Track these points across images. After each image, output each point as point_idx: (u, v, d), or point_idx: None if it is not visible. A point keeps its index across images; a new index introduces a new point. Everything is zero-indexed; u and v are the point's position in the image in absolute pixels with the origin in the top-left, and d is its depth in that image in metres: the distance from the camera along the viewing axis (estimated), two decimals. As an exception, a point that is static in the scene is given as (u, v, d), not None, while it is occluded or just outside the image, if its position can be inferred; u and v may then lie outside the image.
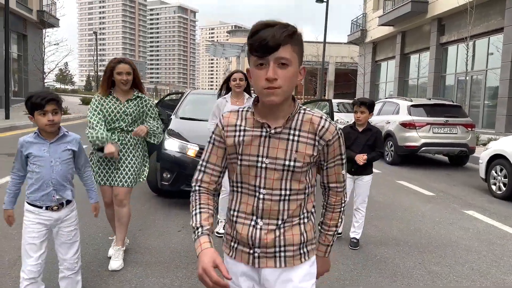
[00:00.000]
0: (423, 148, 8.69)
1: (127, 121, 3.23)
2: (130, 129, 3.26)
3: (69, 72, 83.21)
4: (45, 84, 22.29)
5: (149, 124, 3.34)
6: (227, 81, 4.17)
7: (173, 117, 5.94)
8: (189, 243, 3.84)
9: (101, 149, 3.17)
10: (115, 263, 3.22)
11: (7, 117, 14.72)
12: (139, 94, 3.31)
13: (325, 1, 22.79)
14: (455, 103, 9.76)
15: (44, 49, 19.46)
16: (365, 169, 3.93)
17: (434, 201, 6.00)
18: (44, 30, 22.57)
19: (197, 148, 4.92)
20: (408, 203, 5.79)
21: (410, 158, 9.67)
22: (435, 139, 8.70)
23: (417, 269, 3.49)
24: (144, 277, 3.09)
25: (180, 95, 8.21)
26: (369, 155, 3.82)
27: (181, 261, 3.43)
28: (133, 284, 2.98)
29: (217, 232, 4.10)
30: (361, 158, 3.77)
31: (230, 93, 4.13)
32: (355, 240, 3.96)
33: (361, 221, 4.00)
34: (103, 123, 3.18)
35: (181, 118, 5.88)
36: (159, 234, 4.07)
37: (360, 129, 3.92)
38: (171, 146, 5.04)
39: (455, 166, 9.46)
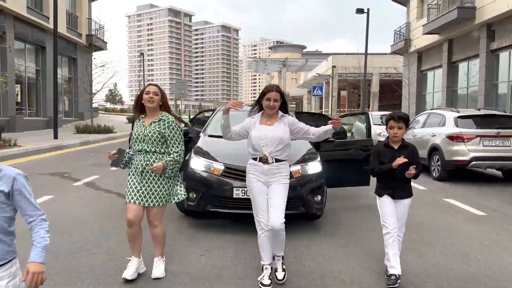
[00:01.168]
0: (473, 163, 8.03)
1: (148, 142, 3.36)
2: (157, 149, 3.38)
3: (118, 92, 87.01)
4: (93, 104, 23.24)
5: (168, 158, 3.37)
6: (260, 99, 3.45)
7: (201, 134, 5.82)
8: (210, 269, 3.63)
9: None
10: (157, 271, 3.46)
11: (55, 137, 15.38)
12: (164, 116, 3.43)
13: (365, 12, 22.30)
14: (507, 113, 9.00)
15: (91, 71, 20.34)
16: (406, 190, 3.48)
17: (485, 222, 5.43)
18: (92, 53, 23.67)
19: (223, 167, 4.73)
20: (456, 225, 5.27)
21: (459, 173, 8.98)
22: (486, 153, 8.02)
23: (463, 304, 3.07)
24: (156, 308, 2.91)
25: (213, 111, 8.15)
26: (415, 172, 3.32)
27: (199, 289, 3.22)
28: (144, 316, 2.80)
29: (261, 284, 3.26)
30: (400, 161, 3.27)
31: (262, 112, 3.47)
32: (393, 278, 3.34)
33: (398, 253, 3.45)
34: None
35: (210, 135, 5.75)
36: (180, 258, 3.89)
37: (396, 146, 3.47)
38: (197, 165, 4.89)
39: (509, 181, 8.67)
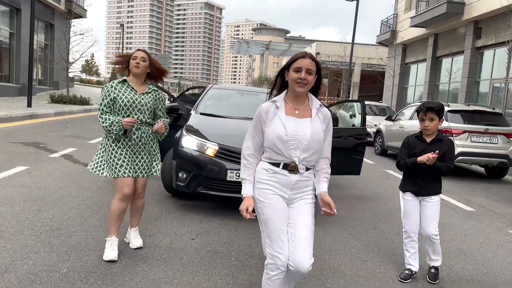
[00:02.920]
0: (459, 158, 8.04)
1: (145, 112, 3.27)
2: (148, 121, 3.29)
3: (95, 63, 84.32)
4: (70, 73, 22.30)
5: (164, 121, 3.41)
6: (283, 71, 2.30)
7: (192, 112, 5.53)
8: (203, 255, 3.41)
9: (124, 132, 3.16)
10: (138, 241, 3.43)
11: (29, 105, 14.66)
12: (154, 88, 3.39)
13: (355, 0, 22.09)
14: (496, 111, 9.05)
15: (69, 38, 19.42)
16: (432, 186, 3.24)
17: (475, 218, 5.41)
18: (71, 20, 22.60)
19: (217, 148, 4.48)
20: (447, 219, 5.22)
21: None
22: (473, 148, 8.05)
23: (467, 303, 2.97)
24: (148, 296, 2.68)
25: (202, 89, 7.84)
26: (438, 162, 3.07)
27: (193, 277, 3.00)
28: (136, 304, 2.56)
29: None
30: (429, 157, 2.99)
31: (285, 92, 2.32)
32: (433, 270, 3.28)
33: (437, 248, 3.30)
34: (109, 110, 3.19)
35: (201, 113, 5.46)
36: (170, 242, 3.65)
37: (428, 140, 3.21)
38: (189, 143, 4.61)
39: (493, 178, 8.77)
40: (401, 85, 24.54)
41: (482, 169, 9.44)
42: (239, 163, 4.31)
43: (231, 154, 4.44)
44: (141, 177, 3.32)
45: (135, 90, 3.23)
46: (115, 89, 3.19)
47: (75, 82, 34.41)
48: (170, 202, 4.89)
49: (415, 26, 20.93)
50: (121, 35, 45.76)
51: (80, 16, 24.80)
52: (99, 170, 3.24)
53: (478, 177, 8.87)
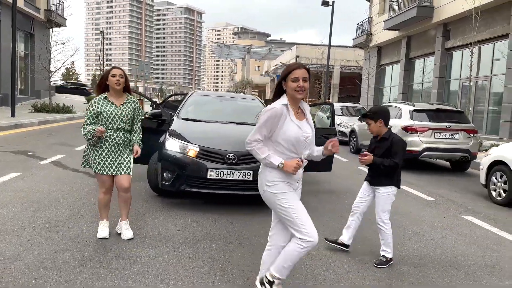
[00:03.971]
0: (424, 153, 8.70)
1: (126, 122, 3.87)
2: (127, 128, 3.91)
3: (75, 71, 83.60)
4: (51, 82, 22.42)
5: (138, 137, 4.03)
6: (281, 82, 2.67)
7: (175, 117, 6.00)
8: (187, 242, 3.89)
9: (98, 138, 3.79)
10: (129, 233, 3.90)
11: (12, 115, 14.85)
12: (131, 98, 3.95)
13: (330, 4, 22.82)
14: (457, 109, 9.76)
15: (51, 48, 19.60)
16: (379, 179, 3.71)
17: (433, 206, 6.01)
18: (51, 29, 22.74)
19: (198, 149, 4.96)
20: (408, 208, 5.81)
21: (412, 163, 9.67)
22: (436, 144, 8.71)
23: (412, 273, 3.52)
24: (141, 274, 3.14)
25: (183, 96, 8.29)
26: (378, 158, 3.59)
27: (179, 260, 3.48)
28: (130, 281, 3.02)
29: None
30: (362, 158, 3.55)
31: (286, 98, 2.64)
32: (381, 257, 3.68)
33: (386, 239, 3.70)
34: (93, 122, 3.79)
35: (183, 119, 5.94)
36: (158, 234, 4.11)
37: (378, 139, 3.74)
38: (172, 146, 5.09)
39: (456, 171, 9.45)
40: (377, 86, 25.39)
41: (447, 163, 10.12)
42: (219, 162, 4.86)
43: (211, 155, 4.93)
44: (124, 173, 3.86)
45: (115, 104, 3.83)
46: (99, 104, 3.79)
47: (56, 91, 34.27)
48: (156, 200, 5.34)
49: (388, 29, 21.80)
50: (102, 43, 45.72)
51: (60, 25, 24.92)
52: (87, 165, 3.93)
53: (443, 170, 9.54)
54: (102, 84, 3.86)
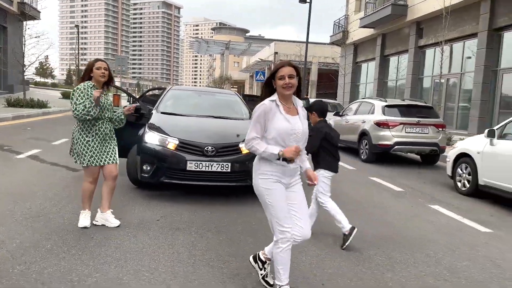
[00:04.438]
0: (396, 147, 9.06)
1: (110, 110, 4.06)
2: (111, 116, 4.09)
3: (49, 65, 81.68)
4: (25, 77, 21.97)
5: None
6: (270, 80, 2.78)
7: (154, 111, 6.11)
8: (167, 231, 4.04)
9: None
10: (117, 221, 4.09)
11: (-15, 109, 14.54)
12: (108, 93, 4.14)
13: (308, 1, 23.10)
14: (427, 104, 10.17)
15: (25, 41, 19.20)
16: (312, 164, 4.11)
17: (402, 196, 6.33)
18: (25, 23, 22.25)
19: (177, 142, 5.10)
20: (378, 198, 6.11)
21: (384, 156, 10.04)
22: (407, 138, 9.08)
23: (379, 256, 3.78)
24: (122, 260, 3.29)
25: (162, 90, 8.37)
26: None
27: (159, 246, 3.63)
28: (112, 266, 3.17)
29: None
30: None
31: (276, 94, 2.77)
32: (343, 237, 3.99)
33: (334, 216, 4.02)
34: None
35: (162, 113, 6.06)
36: (138, 223, 4.25)
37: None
38: (152, 139, 5.21)
39: (426, 164, 9.87)
40: (354, 82, 25.88)
41: (418, 157, 10.54)
42: (198, 154, 5.03)
43: (190, 147, 5.08)
44: (111, 163, 4.04)
45: (102, 95, 3.93)
46: (88, 91, 3.88)
47: (30, 85, 33.57)
48: (135, 192, 5.46)
49: (364, 27, 22.24)
50: (77, 37, 44.79)
51: (34, 18, 24.38)
52: (78, 160, 4.00)
53: (413, 163, 9.95)
54: (85, 76, 3.95)
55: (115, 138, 4.17)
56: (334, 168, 4.10)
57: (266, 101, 2.71)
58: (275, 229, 2.74)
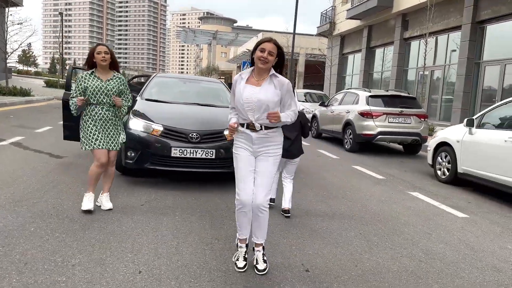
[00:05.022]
0: (378, 137, 9.21)
1: (110, 96, 4.01)
2: (112, 103, 4.04)
3: (32, 53, 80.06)
4: (8, 64, 21.55)
5: (124, 100, 4.15)
6: (253, 52, 2.92)
7: (138, 98, 6.11)
8: (151, 215, 4.09)
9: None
10: (109, 204, 4.18)
11: (-34, 96, 14.26)
12: (118, 74, 4.12)
13: (295, -8, 23.04)
14: (410, 95, 10.33)
15: (7, 28, 18.80)
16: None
17: (383, 184, 6.48)
18: (7, 9, 21.75)
19: (161, 128, 5.13)
20: (359, 185, 6.24)
21: (368, 146, 10.19)
22: (390, 128, 9.23)
23: (358, 239, 3.89)
24: (106, 242, 3.33)
25: (147, 78, 8.34)
26: None
27: (143, 229, 3.68)
28: (96, 248, 3.21)
29: (236, 266, 3.05)
30: None
31: (252, 68, 2.99)
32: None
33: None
34: (79, 95, 3.95)
35: (147, 99, 6.06)
36: (122, 208, 4.28)
37: None
38: (136, 125, 5.22)
39: (408, 154, 10.06)
40: (340, 74, 26.04)
41: (400, 147, 10.73)
42: (182, 141, 5.07)
43: (175, 134, 5.11)
44: (112, 149, 4.10)
45: (101, 79, 3.99)
46: (85, 79, 3.96)
47: (13, 74, 32.93)
48: (119, 179, 5.47)
49: (351, 18, 22.34)
50: (60, 25, 44.02)
51: (16, 5, 23.85)
52: (82, 145, 4.04)
53: (396, 153, 10.13)
54: (89, 62, 4.00)
55: (121, 125, 4.22)
56: None
57: (236, 75, 3.01)
58: (236, 188, 3.00)
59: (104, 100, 3.99)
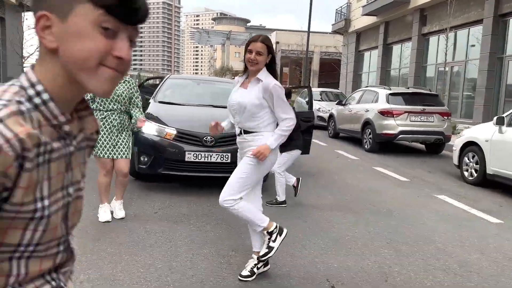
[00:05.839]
0: (400, 136, 8.86)
1: (121, 101, 3.81)
2: (123, 109, 3.86)
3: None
4: (24, 68, 21.79)
5: (141, 116, 3.96)
6: (244, 54, 2.79)
7: (151, 101, 5.93)
8: (164, 224, 3.89)
9: None
10: (122, 213, 3.98)
11: (-16, 101, 14.39)
12: (126, 78, 3.89)
13: (309, -10, 22.73)
14: (432, 92, 9.94)
15: (23, 32, 18.97)
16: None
17: (407, 186, 6.16)
18: (23, 13, 21.98)
19: (175, 132, 4.93)
20: (382, 188, 5.94)
21: (388, 145, 9.85)
22: (412, 127, 8.87)
23: (385, 248, 3.62)
24: (117, 255, 3.14)
25: (160, 79, 8.20)
26: None
27: (156, 240, 3.48)
28: (106, 261, 3.02)
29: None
30: None
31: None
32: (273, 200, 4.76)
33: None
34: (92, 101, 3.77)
35: (160, 102, 5.87)
36: (135, 216, 4.10)
37: None
38: (149, 129, 5.03)
39: (431, 153, 9.67)
40: (356, 71, 25.58)
41: (422, 146, 10.35)
42: (196, 145, 4.85)
43: (189, 137, 4.91)
44: (122, 158, 3.87)
45: None
46: None
47: (30, 77, 33.37)
48: (133, 184, 5.29)
49: (366, 14, 21.89)
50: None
51: (32, 9, 24.09)
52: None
53: (418, 152, 9.76)
54: None
55: (129, 133, 4.00)
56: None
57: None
58: None
59: (114, 107, 3.80)
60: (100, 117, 3.79)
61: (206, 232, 3.74)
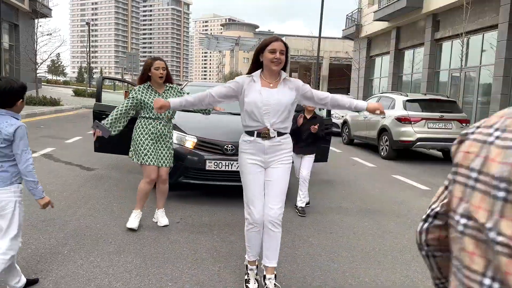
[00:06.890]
0: (418, 143, 8.74)
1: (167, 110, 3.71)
2: (170, 117, 3.91)
3: (61, 63, 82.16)
4: (38, 74, 22.01)
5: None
6: (259, 54, 2.72)
7: (170, 108, 5.89)
8: (187, 235, 3.83)
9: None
10: (165, 220, 4.05)
11: (-1, 107, 14.51)
12: (171, 85, 3.97)
13: (320, -5, 22.70)
14: (450, 99, 9.81)
15: (37, 39, 19.18)
16: (309, 149, 4.82)
17: (430, 196, 6.04)
18: (36, 20, 22.25)
19: (195, 140, 4.89)
20: (404, 197, 5.83)
21: (404, 152, 9.72)
22: (430, 134, 8.75)
23: (415, 261, 3.52)
24: (143, 267, 3.08)
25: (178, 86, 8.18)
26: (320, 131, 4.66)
27: (181, 252, 3.42)
28: (133, 274, 2.96)
29: None
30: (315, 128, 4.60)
31: (260, 70, 2.74)
32: (300, 208, 4.74)
33: (305, 191, 4.79)
34: (124, 109, 3.75)
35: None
36: (158, 226, 4.05)
37: (308, 117, 4.80)
38: (169, 137, 4.99)
39: (449, 161, 9.51)
40: (367, 77, 25.44)
41: (439, 153, 10.20)
42: (216, 153, 4.80)
43: (209, 146, 4.86)
44: (165, 166, 3.90)
45: (158, 93, 3.85)
46: (142, 92, 3.80)
47: (42, 83, 33.76)
48: (153, 193, 5.24)
49: (378, 20, 21.78)
50: (88, 34, 44.94)
51: (45, 16, 24.41)
52: (132, 156, 3.89)
53: (436, 160, 9.61)
54: (144, 76, 3.86)
55: (171, 140, 4.01)
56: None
57: (240, 78, 2.73)
58: (245, 207, 2.76)
59: (163, 115, 3.80)
60: (147, 125, 3.79)
61: (231, 243, 3.67)
